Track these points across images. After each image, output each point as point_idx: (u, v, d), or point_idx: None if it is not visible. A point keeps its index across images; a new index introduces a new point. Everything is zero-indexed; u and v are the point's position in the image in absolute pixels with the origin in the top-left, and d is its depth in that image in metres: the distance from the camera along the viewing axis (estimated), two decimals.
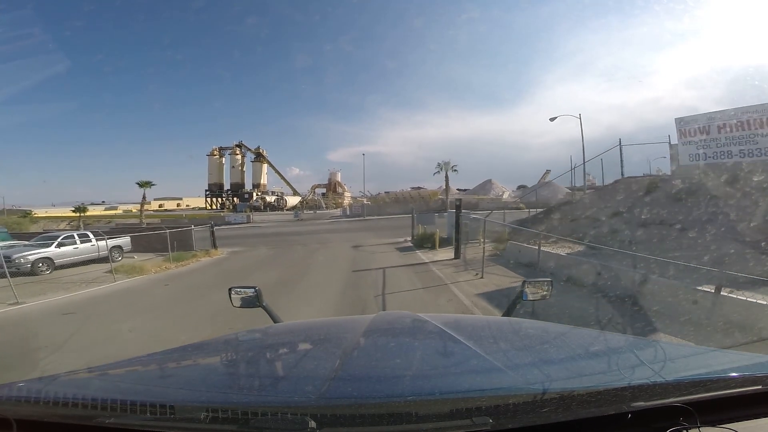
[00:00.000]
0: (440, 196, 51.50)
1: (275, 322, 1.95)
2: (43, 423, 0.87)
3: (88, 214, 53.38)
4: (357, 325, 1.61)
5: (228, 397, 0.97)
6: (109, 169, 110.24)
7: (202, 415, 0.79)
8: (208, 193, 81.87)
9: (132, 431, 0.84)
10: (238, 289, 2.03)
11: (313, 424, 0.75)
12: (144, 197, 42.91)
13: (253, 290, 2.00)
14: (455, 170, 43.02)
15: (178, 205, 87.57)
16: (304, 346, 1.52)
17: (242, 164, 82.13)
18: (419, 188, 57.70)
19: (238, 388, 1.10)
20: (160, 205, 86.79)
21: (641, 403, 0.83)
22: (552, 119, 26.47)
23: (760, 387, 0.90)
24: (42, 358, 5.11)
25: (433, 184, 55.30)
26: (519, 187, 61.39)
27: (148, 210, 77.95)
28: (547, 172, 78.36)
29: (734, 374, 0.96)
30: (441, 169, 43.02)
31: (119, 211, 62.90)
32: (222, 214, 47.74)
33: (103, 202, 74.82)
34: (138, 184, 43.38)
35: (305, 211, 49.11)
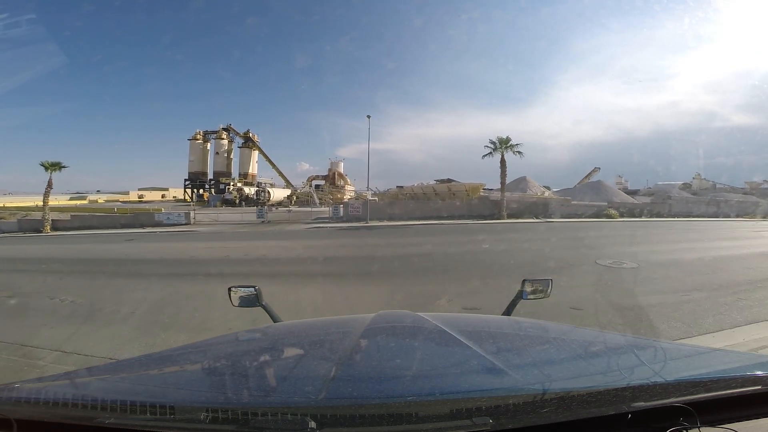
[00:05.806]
0: (483, 192, 35.12)
1: (275, 321, 1.92)
2: (44, 423, 0.86)
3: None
4: (357, 324, 1.54)
5: (228, 397, 0.97)
6: (112, 159, 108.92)
7: (202, 416, 0.79)
8: (188, 183, 68.42)
9: (132, 431, 0.84)
10: (238, 288, 1.98)
11: (313, 424, 0.75)
12: (49, 183, 27.77)
13: (253, 289, 1.96)
14: (518, 152, 26.37)
15: (163, 196, 76.59)
16: (304, 346, 1.49)
17: (229, 150, 68.33)
18: (449, 181, 41.12)
19: (238, 389, 1.07)
20: (140, 196, 75.53)
21: (641, 404, 0.83)
22: None
23: (760, 387, 0.89)
24: None
25: (460, 178, 39.38)
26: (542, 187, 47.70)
27: (117, 201, 65.26)
28: (596, 169, 62.19)
29: (734, 374, 0.96)
30: (496, 149, 26.47)
31: (58, 203, 48.26)
32: (160, 209, 32.31)
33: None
34: (42, 165, 28.21)
35: (278, 209, 33.36)
